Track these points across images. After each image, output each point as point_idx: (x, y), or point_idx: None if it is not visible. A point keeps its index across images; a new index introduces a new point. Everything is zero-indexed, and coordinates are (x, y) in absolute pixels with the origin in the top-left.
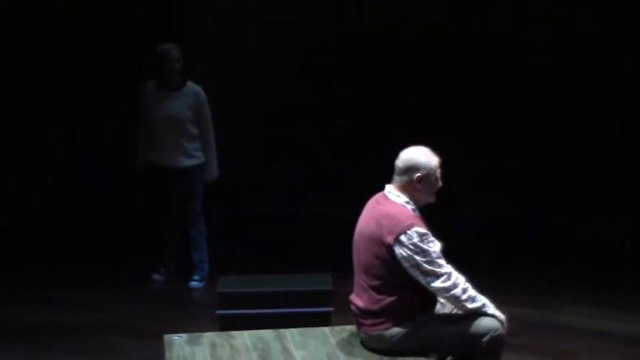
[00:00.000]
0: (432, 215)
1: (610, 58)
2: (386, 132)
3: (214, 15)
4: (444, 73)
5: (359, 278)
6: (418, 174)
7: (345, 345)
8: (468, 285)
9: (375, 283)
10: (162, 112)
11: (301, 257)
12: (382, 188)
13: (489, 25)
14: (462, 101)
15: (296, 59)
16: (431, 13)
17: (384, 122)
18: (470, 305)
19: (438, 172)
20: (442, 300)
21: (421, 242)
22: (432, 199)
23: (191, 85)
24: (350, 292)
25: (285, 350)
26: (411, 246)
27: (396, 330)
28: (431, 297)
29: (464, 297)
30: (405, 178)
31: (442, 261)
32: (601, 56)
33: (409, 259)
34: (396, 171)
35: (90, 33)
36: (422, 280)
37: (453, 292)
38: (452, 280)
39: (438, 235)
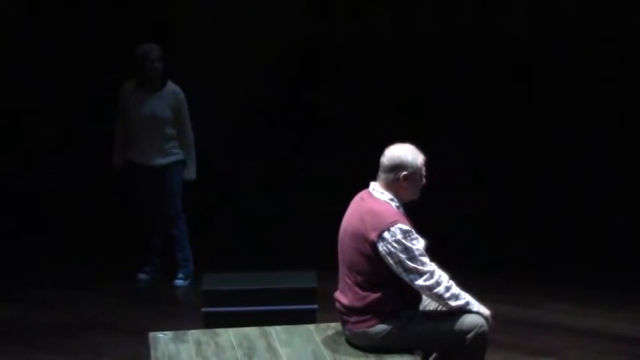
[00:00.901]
0: (431, 214)
1: (610, 58)
2: (386, 132)
3: (214, 15)
4: (444, 72)
5: (343, 275)
6: (404, 172)
7: (329, 342)
8: (451, 283)
9: (360, 280)
10: (143, 113)
11: (288, 256)
12: None
13: (489, 25)
14: (461, 101)
15: (295, 59)
16: (430, 13)
17: (384, 122)
18: (453, 303)
19: (424, 170)
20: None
21: (404, 239)
22: (415, 197)
23: (171, 86)
24: (335, 289)
25: (271, 348)
26: (394, 243)
27: (380, 327)
28: (415, 294)
29: (447, 295)
30: (390, 175)
31: (425, 259)
32: (601, 56)
33: (392, 255)
34: (382, 168)
35: (89, 33)
36: (405, 277)
37: (435, 290)
38: (435, 278)
39: (436, 234)
